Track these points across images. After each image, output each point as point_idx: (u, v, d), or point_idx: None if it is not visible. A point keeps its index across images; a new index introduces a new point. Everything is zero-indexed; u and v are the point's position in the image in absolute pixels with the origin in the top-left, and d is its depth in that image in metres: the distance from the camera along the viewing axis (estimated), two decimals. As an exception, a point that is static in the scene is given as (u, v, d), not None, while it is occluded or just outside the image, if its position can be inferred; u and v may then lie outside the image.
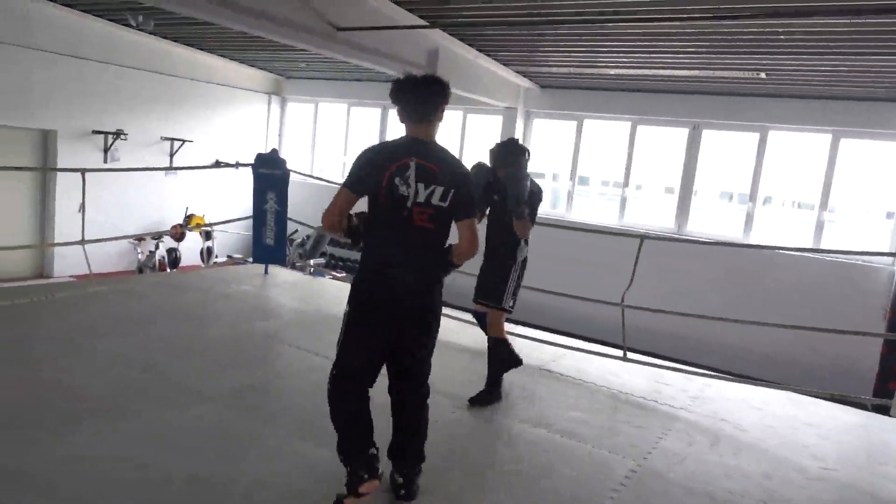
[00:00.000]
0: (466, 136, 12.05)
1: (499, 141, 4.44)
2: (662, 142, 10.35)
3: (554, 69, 9.76)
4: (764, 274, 9.04)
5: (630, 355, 5.38)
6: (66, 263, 10.43)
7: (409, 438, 3.03)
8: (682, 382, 5.13)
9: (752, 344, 8.74)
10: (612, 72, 9.11)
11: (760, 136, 9.32)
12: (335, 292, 7.13)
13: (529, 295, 7.23)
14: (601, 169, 11.26)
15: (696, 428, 4.25)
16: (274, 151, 6.70)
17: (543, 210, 11.24)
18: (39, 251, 10.74)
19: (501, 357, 4.29)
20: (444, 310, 6.53)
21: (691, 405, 4.66)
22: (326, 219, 2.80)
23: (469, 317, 6.40)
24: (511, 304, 4.32)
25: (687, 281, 9.42)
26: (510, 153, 4.21)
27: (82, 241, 5.72)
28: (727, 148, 9.93)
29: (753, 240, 9.36)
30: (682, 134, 9.98)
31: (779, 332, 7.03)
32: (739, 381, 5.30)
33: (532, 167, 11.97)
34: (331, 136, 13.77)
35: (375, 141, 12.81)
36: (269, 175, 6.53)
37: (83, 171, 5.68)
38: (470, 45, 8.93)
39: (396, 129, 11.28)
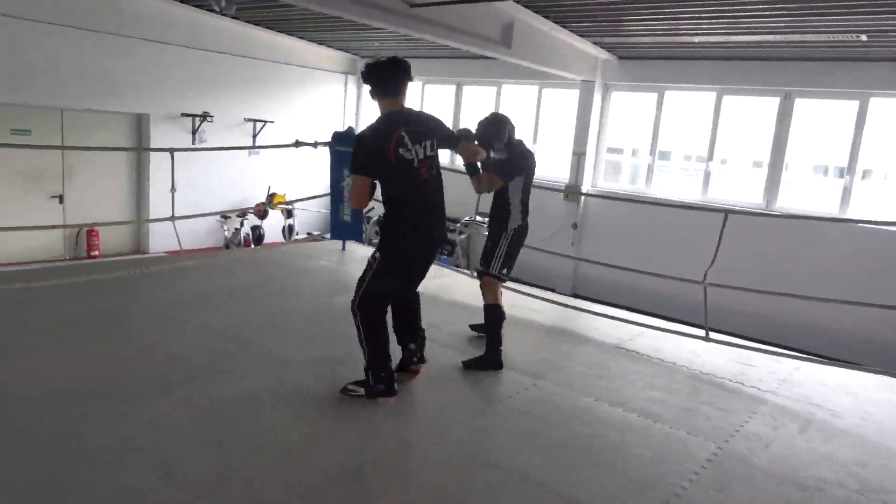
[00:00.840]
0: (542, 111, 11.83)
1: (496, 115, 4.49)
2: (750, 113, 9.81)
3: (634, 39, 9.39)
4: (861, 251, 8.48)
5: (713, 335, 5.18)
6: (160, 240, 11.04)
7: (417, 320, 3.95)
8: (769, 364, 4.90)
9: (848, 325, 8.24)
10: (697, 39, 8.68)
11: (860, 105, 8.67)
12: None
13: (606, 272, 7.12)
14: (683, 143, 10.81)
15: (785, 412, 4.06)
16: (350, 129, 6.79)
17: (623, 186, 11.03)
18: (136, 228, 11.40)
19: (490, 323, 4.34)
20: (526, 288, 6.54)
21: (779, 388, 4.45)
22: (359, 204, 3.46)
23: (550, 295, 6.36)
24: (500, 270, 4.40)
25: (775, 259, 8.97)
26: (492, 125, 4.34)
27: (172, 218, 5.99)
28: (822, 118, 9.30)
29: (851, 216, 8.78)
30: (772, 104, 9.42)
31: (878, 314, 6.59)
32: (833, 364, 5.00)
33: (610, 142, 11.64)
34: (406, 114, 13.83)
35: (450, 117, 12.87)
36: (346, 152, 6.59)
37: (171, 151, 5.90)
38: (545, 16, 8.72)
39: (468, 106, 11.23)
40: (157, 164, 11.12)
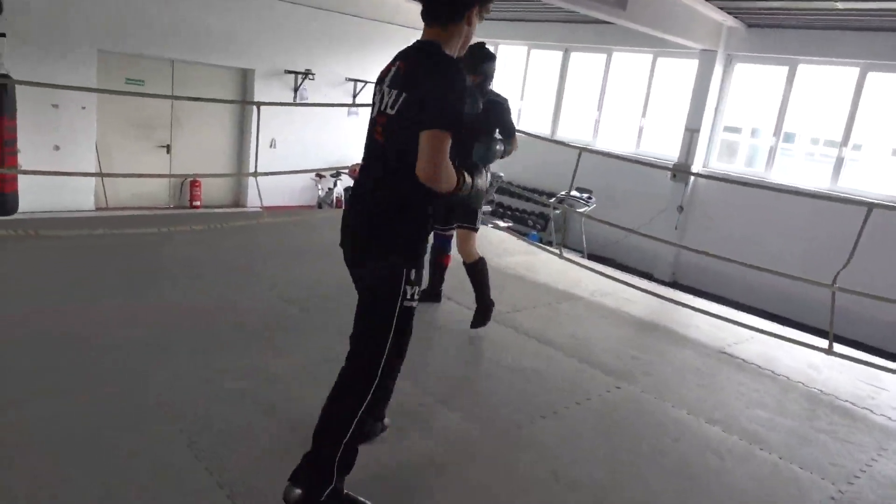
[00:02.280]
0: (654, 83, 10.97)
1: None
2: (899, 93, 8.61)
3: (765, 3, 8.39)
4: None
5: (838, 347, 4.50)
6: (257, 194, 11.22)
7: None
8: (904, 388, 4.20)
9: None
10: (840, 5, 7.61)
11: None
12: (496, 241, 6.83)
13: (712, 260, 6.45)
14: (812, 124, 9.69)
15: (921, 450, 3.42)
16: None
17: (738, 169, 10.06)
18: (236, 181, 11.65)
19: (484, 277, 4.09)
20: (619, 273, 6.03)
21: (915, 419, 3.78)
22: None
23: (645, 283, 5.83)
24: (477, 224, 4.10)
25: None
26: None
27: (255, 174, 5.91)
28: None
29: None
30: (928, 84, 8.21)
31: None
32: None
33: (728, 119, 10.65)
34: (509, 81, 13.30)
35: (555, 85, 12.24)
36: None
37: (258, 104, 5.76)
38: (668, -24, 7.92)
39: (575, 73, 10.52)
40: (261, 118, 11.25)
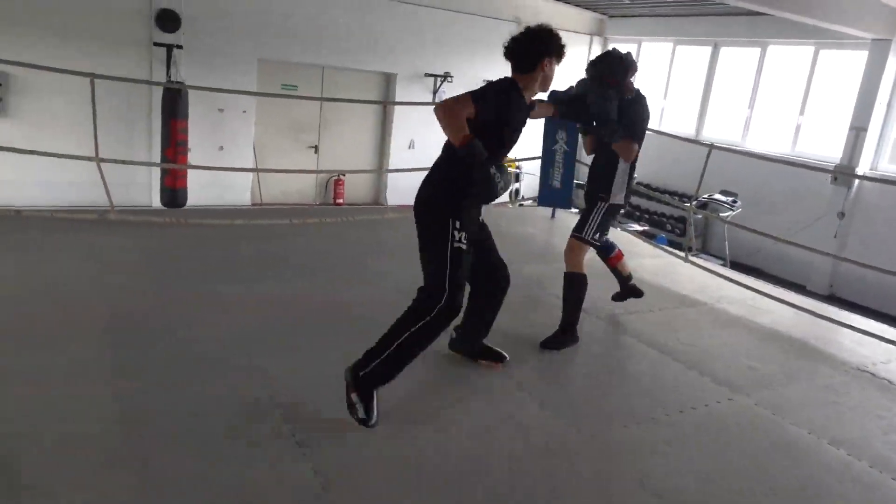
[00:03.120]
0: (815, 77, 10.01)
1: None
2: None
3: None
4: None
5: None
6: (396, 194, 11.71)
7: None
8: None
9: None
10: None
11: None
12: (622, 243, 6.58)
13: (878, 275, 5.76)
14: None
15: None
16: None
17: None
18: (377, 179, 12.23)
19: (578, 295, 3.78)
20: (762, 283, 5.58)
21: None
22: None
23: (784, 293, 5.36)
24: (594, 235, 3.82)
25: None
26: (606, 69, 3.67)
27: (378, 171, 6.17)
28: None
29: None
30: None
31: None
32: None
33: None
34: (653, 79, 12.77)
35: (702, 82, 11.54)
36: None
37: (385, 104, 5.98)
38: (830, -42, 7.21)
39: (724, 69, 9.93)
40: (398, 122, 11.75)
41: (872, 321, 5.03)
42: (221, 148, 10.26)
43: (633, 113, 3.71)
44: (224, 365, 3.15)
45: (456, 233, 2.77)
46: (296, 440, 2.61)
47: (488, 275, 3.20)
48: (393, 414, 2.81)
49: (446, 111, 2.70)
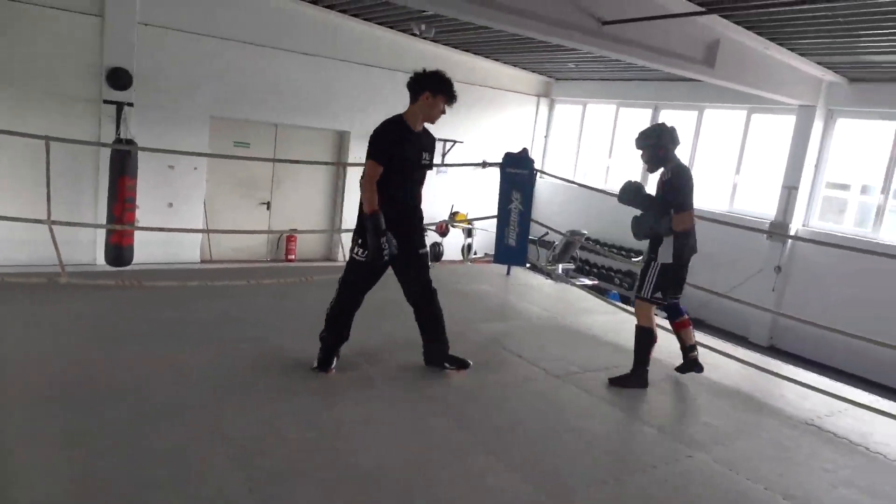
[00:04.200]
0: (749, 139, 10.64)
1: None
2: None
3: (869, 57, 8.04)
4: None
5: (944, 425, 4.08)
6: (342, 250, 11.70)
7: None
8: None
9: None
10: (954, 58, 7.18)
11: None
12: (574, 299, 6.76)
13: (810, 327, 6.04)
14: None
15: None
16: (524, 151, 6.54)
17: (847, 228, 9.45)
18: (329, 236, 12.21)
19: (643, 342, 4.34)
20: (708, 337, 5.79)
21: None
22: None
23: (729, 348, 5.55)
24: (652, 294, 4.29)
25: None
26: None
27: (337, 230, 6.17)
28: None
29: None
30: None
31: None
32: None
33: (833, 176, 10.16)
34: (597, 139, 13.32)
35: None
36: (517, 174, 6.41)
37: (341, 164, 6.03)
38: (758, 33, 7.80)
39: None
40: (353, 178, 11.84)
41: (813, 374, 5.26)
42: (171, 205, 10.12)
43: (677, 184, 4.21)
44: (182, 425, 3.06)
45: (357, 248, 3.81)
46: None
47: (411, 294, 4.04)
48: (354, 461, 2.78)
49: (365, 186, 3.69)
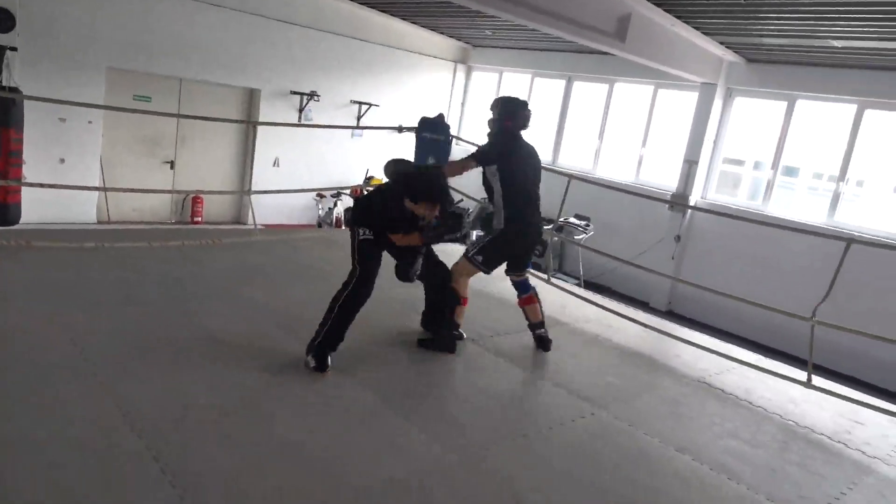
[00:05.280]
0: (655, 113, 11.06)
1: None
2: (897, 130, 8.65)
3: (766, 40, 8.50)
4: None
5: (816, 380, 4.49)
6: (259, 212, 11.32)
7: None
8: (883, 424, 4.17)
9: None
10: (838, 44, 7.71)
11: None
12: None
13: (707, 293, 6.47)
14: (813, 159, 9.73)
15: None
16: (440, 116, 6.52)
17: (740, 201, 10.07)
18: (238, 198, 11.76)
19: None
20: (609, 301, 6.05)
21: (892, 456, 3.75)
22: None
23: (631, 311, 5.82)
24: (473, 255, 4.22)
25: (908, 299, 7.86)
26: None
27: (248, 192, 5.98)
28: None
29: None
30: (925, 122, 8.24)
31: None
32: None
33: (730, 152, 10.70)
34: (512, 107, 13.45)
35: (557, 113, 12.35)
36: (433, 140, 6.39)
37: (252, 123, 5.81)
38: (667, 10, 8.04)
39: (577, 102, 10.57)
40: (263, 139, 11.41)
41: (707, 336, 5.63)
42: (63, 160, 9.39)
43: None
44: (76, 389, 2.91)
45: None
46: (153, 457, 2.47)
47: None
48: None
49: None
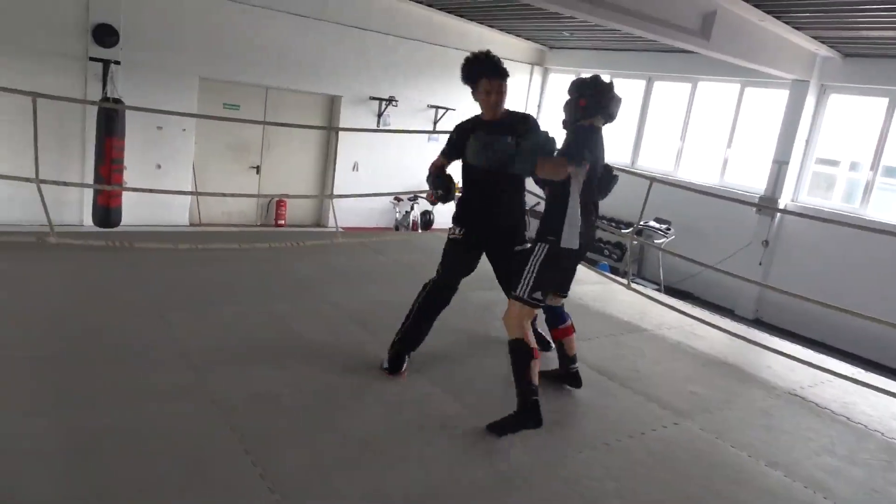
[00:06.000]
0: (741, 113, 10.63)
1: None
2: None
3: (863, 33, 8.02)
4: None
5: (923, 397, 4.20)
6: (339, 215, 11.62)
7: None
8: None
9: None
10: (949, 35, 7.18)
11: None
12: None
13: (798, 301, 6.17)
14: (920, 159, 9.10)
15: None
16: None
17: (835, 204, 9.54)
18: (319, 202, 12.13)
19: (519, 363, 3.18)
20: (694, 308, 5.86)
21: None
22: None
23: (717, 319, 5.62)
24: (531, 294, 3.19)
25: None
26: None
27: (330, 196, 6.14)
28: None
29: None
30: None
31: None
32: None
33: (824, 152, 10.18)
34: (590, 109, 13.23)
35: (637, 113, 12.05)
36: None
37: (334, 129, 5.97)
38: (755, 4, 7.72)
39: (658, 103, 10.35)
40: (343, 144, 11.71)
41: (799, 346, 5.36)
42: (159, 166, 9.98)
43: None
44: (180, 392, 3.08)
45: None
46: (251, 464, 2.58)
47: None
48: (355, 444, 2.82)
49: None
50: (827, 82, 9.47)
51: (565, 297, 3.73)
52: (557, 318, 3.72)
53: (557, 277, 3.47)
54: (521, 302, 3.20)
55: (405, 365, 3.62)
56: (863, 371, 4.86)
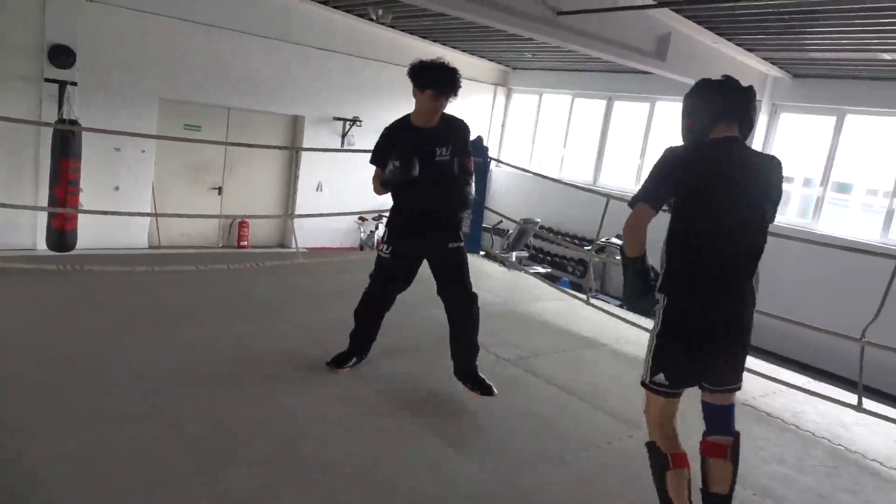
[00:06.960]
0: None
1: None
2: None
3: (811, 54, 8.34)
4: None
5: (868, 404, 4.31)
6: (303, 235, 11.55)
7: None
8: (942, 451, 3.97)
9: None
10: (888, 56, 7.50)
11: None
12: (527, 286, 6.85)
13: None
14: (867, 175, 9.43)
15: (954, 517, 3.23)
16: (478, 139, 6.58)
17: (789, 220, 9.80)
18: (282, 222, 12.05)
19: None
20: (642, 321, 5.94)
21: (951, 484, 3.57)
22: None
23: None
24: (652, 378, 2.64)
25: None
26: None
27: (291, 216, 6.12)
28: None
29: None
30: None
31: None
32: None
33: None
34: (553, 128, 13.47)
35: (598, 133, 12.30)
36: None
37: (295, 149, 5.97)
38: (708, 27, 7.99)
39: (618, 122, 10.57)
40: (307, 164, 11.71)
41: (751, 357, 5.45)
42: (117, 188, 9.83)
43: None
44: (135, 416, 3.02)
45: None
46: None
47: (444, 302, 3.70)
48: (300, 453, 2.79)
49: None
50: (778, 101, 9.80)
51: (723, 392, 2.73)
52: (716, 425, 2.79)
53: (682, 353, 2.58)
54: (643, 388, 2.62)
55: (351, 363, 3.82)
56: (811, 380, 4.98)
